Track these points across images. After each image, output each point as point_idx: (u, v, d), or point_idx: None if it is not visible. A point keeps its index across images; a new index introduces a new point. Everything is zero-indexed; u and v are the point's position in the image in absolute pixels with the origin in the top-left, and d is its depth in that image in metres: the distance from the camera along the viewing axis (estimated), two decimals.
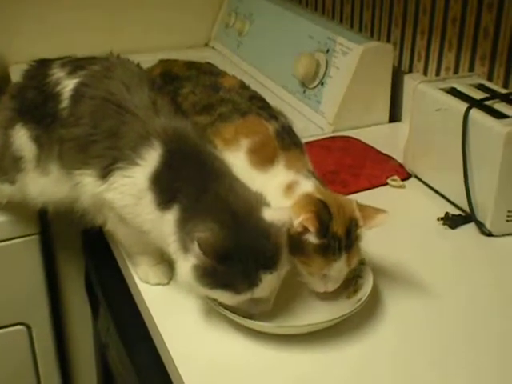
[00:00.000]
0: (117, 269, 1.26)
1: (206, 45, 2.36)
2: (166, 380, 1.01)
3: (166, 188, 1.00)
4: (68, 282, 1.62)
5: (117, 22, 2.20)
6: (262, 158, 1.09)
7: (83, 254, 1.53)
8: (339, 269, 1.01)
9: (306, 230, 0.98)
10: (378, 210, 1.04)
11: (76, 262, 1.57)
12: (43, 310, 1.56)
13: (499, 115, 1.26)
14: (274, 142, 1.10)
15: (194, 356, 0.99)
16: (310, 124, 1.72)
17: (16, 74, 1.50)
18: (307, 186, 1.05)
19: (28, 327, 1.55)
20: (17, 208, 1.36)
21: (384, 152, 1.58)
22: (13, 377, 1.59)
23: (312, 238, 0.98)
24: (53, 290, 1.59)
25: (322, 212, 0.98)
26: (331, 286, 1.03)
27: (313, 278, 1.03)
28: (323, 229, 0.97)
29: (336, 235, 0.99)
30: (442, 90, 1.38)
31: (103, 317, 1.38)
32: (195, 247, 0.93)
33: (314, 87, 1.75)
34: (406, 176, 1.47)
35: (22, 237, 1.46)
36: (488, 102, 1.30)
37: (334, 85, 1.70)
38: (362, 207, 1.04)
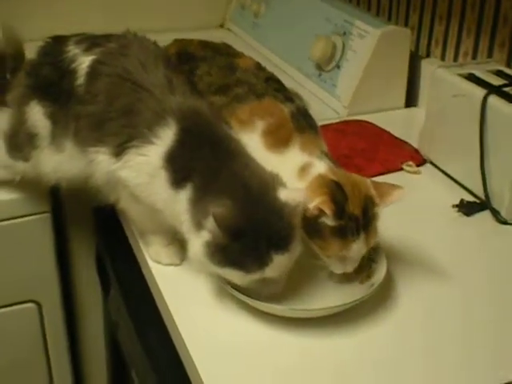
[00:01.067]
0: (128, 248, 1.25)
1: (221, 26, 2.35)
2: (176, 360, 1.01)
3: (180, 167, 1.00)
4: (79, 261, 1.61)
5: (131, 1, 2.18)
6: (277, 139, 1.08)
7: (95, 233, 1.53)
8: (358, 249, 1.00)
9: (321, 212, 0.97)
10: (394, 186, 1.03)
11: (87, 240, 1.57)
12: (54, 288, 1.56)
13: None
14: (289, 124, 1.09)
15: (204, 337, 0.98)
16: (325, 107, 1.71)
17: (31, 52, 1.49)
18: (321, 167, 1.04)
19: (38, 305, 1.55)
20: (29, 185, 1.36)
21: (399, 137, 1.56)
22: (22, 354, 1.59)
23: (328, 221, 0.97)
24: (63, 268, 1.59)
25: (336, 193, 0.97)
26: (350, 267, 1.03)
27: (331, 259, 1.02)
28: (339, 210, 0.96)
29: (353, 215, 0.98)
30: (459, 75, 1.36)
31: (114, 296, 1.38)
32: (209, 222, 0.93)
33: (330, 70, 1.74)
34: (421, 162, 1.46)
35: (33, 214, 1.45)
36: (506, 89, 1.29)
37: (350, 68, 1.69)
38: (377, 184, 1.03)
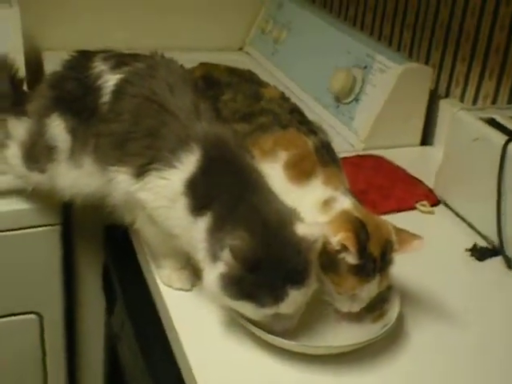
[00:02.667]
0: (137, 268, 1.24)
1: (241, 49, 2.35)
2: (179, 382, 1.01)
3: (200, 194, 0.99)
4: (84, 276, 1.60)
5: (152, 19, 2.19)
6: (300, 172, 1.07)
7: (103, 250, 1.52)
8: (370, 290, 1.00)
9: (344, 248, 0.97)
10: (414, 236, 1.03)
11: (94, 256, 1.56)
12: (57, 301, 1.54)
13: None
14: (312, 157, 1.09)
15: (210, 363, 0.98)
16: (341, 140, 1.71)
17: (49, 61, 1.49)
18: (345, 203, 1.04)
19: (40, 316, 1.54)
20: (41, 197, 1.35)
21: (414, 175, 1.56)
22: (20, 364, 1.58)
23: (350, 258, 0.97)
24: (68, 282, 1.58)
25: (360, 231, 0.97)
26: (357, 307, 1.02)
27: (340, 296, 1.01)
28: (362, 249, 0.96)
29: (372, 256, 0.98)
30: (481, 119, 1.36)
31: (118, 313, 1.37)
32: (226, 254, 0.92)
33: (349, 103, 1.74)
34: (436, 202, 1.45)
35: (43, 226, 1.45)
36: None
37: (368, 102, 1.69)
38: (398, 231, 1.03)
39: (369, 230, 0.99)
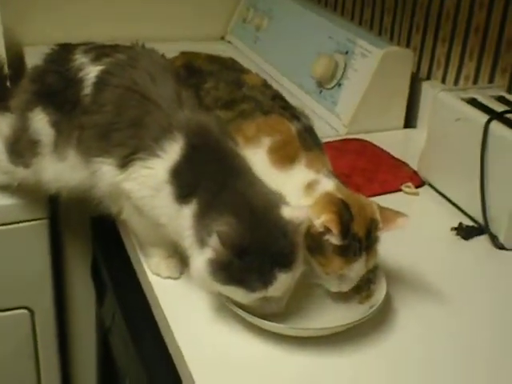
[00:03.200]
0: (125, 258, 1.25)
1: (222, 38, 2.35)
2: (172, 370, 1.01)
3: (185, 182, 0.99)
4: (73, 269, 1.61)
5: (133, 10, 2.19)
6: (283, 156, 1.08)
7: (91, 242, 1.52)
8: (357, 269, 1.01)
9: (327, 230, 0.97)
10: (398, 213, 1.04)
11: (83, 248, 1.56)
12: (47, 295, 1.55)
13: None
14: (295, 142, 1.09)
15: (202, 350, 0.98)
16: (325, 125, 1.72)
17: (31, 56, 1.48)
18: (328, 185, 1.05)
19: (31, 311, 1.54)
20: (27, 191, 1.36)
21: (398, 157, 1.57)
22: (12, 360, 1.58)
23: (333, 239, 0.98)
24: (58, 276, 1.58)
25: (343, 212, 0.98)
26: (346, 286, 1.03)
27: (328, 277, 1.02)
28: (345, 230, 0.97)
29: (357, 236, 0.99)
30: (462, 99, 1.37)
31: (109, 303, 1.37)
32: (213, 240, 0.92)
33: (331, 88, 1.75)
34: (420, 183, 1.46)
35: (30, 220, 1.45)
36: (509, 115, 1.30)
37: (351, 87, 1.70)
38: (382, 209, 1.04)
39: (353, 210, 0.99)
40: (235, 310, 0.99)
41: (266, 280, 0.94)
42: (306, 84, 1.83)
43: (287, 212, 0.97)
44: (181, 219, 1.00)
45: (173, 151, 1.00)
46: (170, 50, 1.34)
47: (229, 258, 0.93)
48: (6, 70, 1.38)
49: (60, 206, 1.50)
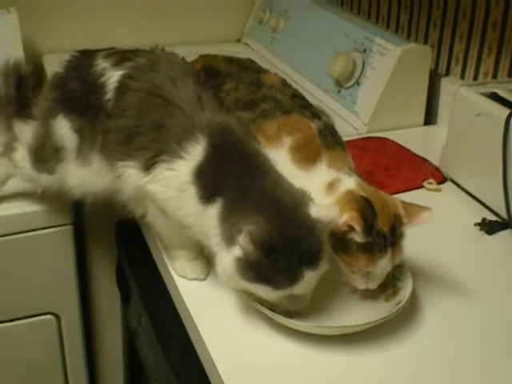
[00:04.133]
0: (150, 261, 1.26)
1: (239, 40, 2.36)
2: (199, 372, 1.01)
3: (209, 182, 1.00)
4: (98, 274, 1.62)
5: (149, 15, 2.20)
6: (305, 155, 1.08)
7: (116, 246, 1.53)
8: (383, 266, 1.01)
9: (351, 228, 0.97)
10: (422, 208, 1.03)
11: (108, 253, 1.57)
12: (73, 301, 1.56)
13: None
14: (317, 140, 1.10)
15: (230, 352, 0.98)
16: (345, 124, 1.71)
17: (50, 64, 1.49)
18: (349, 183, 1.05)
19: (57, 317, 1.56)
20: (51, 198, 1.37)
21: (419, 154, 1.56)
22: (40, 366, 1.60)
23: (357, 237, 0.98)
24: (83, 281, 1.59)
25: (366, 209, 0.98)
26: (373, 284, 1.03)
27: (355, 275, 1.02)
28: (368, 227, 0.97)
29: (381, 232, 0.98)
30: (482, 94, 1.37)
31: (134, 305, 1.38)
32: (242, 239, 0.92)
33: (350, 87, 1.75)
34: (442, 179, 1.46)
35: (55, 226, 1.46)
36: None
37: (369, 85, 1.69)
38: (406, 204, 1.04)
39: (376, 206, 0.99)
40: (260, 308, 0.99)
41: (292, 278, 0.95)
42: (324, 83, 1.83)
43: (315, 210, 0.97)
44: (206, 219, 1.00)
45: (196, 152, 1.01)
46: (188, 54, 1.34)
47: (257, 255, 0.93)
48: (27, 78, 1.39)
49: (84, 211, 1.51)
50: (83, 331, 1.61)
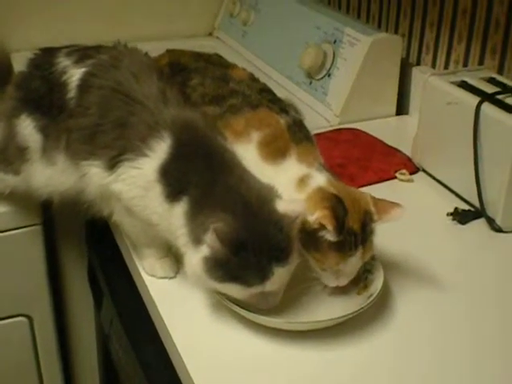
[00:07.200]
0: (121, 260, 1.24)
1: (210, 34, 2.34)
2: (171, 373, 1.00)
3: (175, 180, 0.98)
4: (70, 274, 1.60)
5: (119, 10, 2.17)
6: (274, 150, 1.07)
7: (86, 246, 1.51)
8: (354, 263, 1.00)
9: (322, 226, 0.96)
10: (393, 204, 1.02)
11: (78, 253, 1.56)
12: (45, 302, 1.55)
13: (511, 109, 1.24)
14: (285, 135, 1.08)
15: (200, 349, 0.97)
16: (316, 116, 1.70)
17: (18, 62, 1.47)
18: (320, 179, 1.03)
19: (29, 318, 1.54)
20: (19, 198, 1.35)
21: (391, 145, 1.56)
22: (14, 368, 1.58)
23: (329, 236, 0.96)
24: (55, 282, 1.57)
25: (337, 208, 0.96)
26: (344, 281, 1.02)
27: (325, 272, 1.01)
28: (340, 226, 0.95)
29: (352, 230, 0.97)
30: (452, 83, 1.36)
31: (106, 309, 1.36)
32: (209, 237, 0.91)
33: (321, 78, 1.73)
34: (415, 170, 1.45)
35: (24, 227, 1.45)
36: (500, 96, 1.28)
37: (341, 76, 1.68)
38: (376, 201, 1.02)
39: (346, 203, 0.98)
40: (232, 307, 0.98)
41: (263, 275, 0.93)
42: (295, 76, 1.82)
43: (282, 206, 0.96)
44: (173, 218, 0.99)
45: (160, 150, 0.99)
46: (159, 49, 1.33)
47: (225, 254, 0.91)
48: None
49: (53, 211, 1.49)
50: (57, 333, 1.59)
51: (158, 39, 2.04)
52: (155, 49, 1.33)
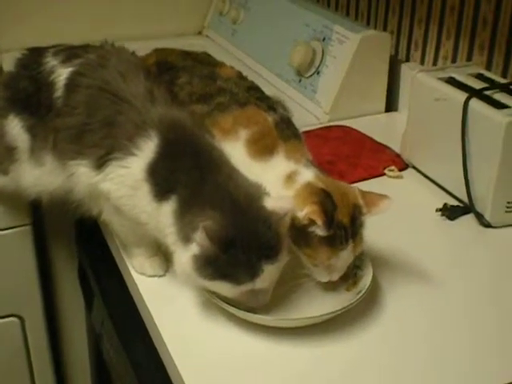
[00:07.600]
0: (111, 260, 1.24)
1: (200, 33, 2.34)
2: (161, 372, 1.00)
3: (163, 179, 0.98)
4: (61, 274, 1.60)
5: (109, 9, 2.17)
6: (262, 148, 1.07)
7: (76, 245, 1.51)
8: (345, 257, 1.00)
9: (312, 222, 0.96)
10: (381, 196, 1.03)
11: (69, 253, 1.55)
12: (36, 302, 1.54)
13: (499, 105, 1.24)
14: (273, 133, 1.08)
15: (190, 348, 0.98)
16: (306, 113, 1.70)
17: (8, 63, 1.46)
18: (308, 175, 1.04)
19: (21, 319, 1.54)
20: (8, 198, 1.34)
21: (381, 142, 1.56)
22: (5, 368, 1.57)
23: (318, 231, 0.96)
24: (45, 282, 1.57)
25: (326, 202, 0.97)
26: (336, 275, 1.02)
27: (317, 268, 1.01)
28: (329, 220, 0.96)
29: (341, 224, 0.98)
30: (440, 79, 1.36)
31: (97, 309, 1.36)
32: (199, 235, 0.91)
33: (310, 76, 1.73)
34: (404, 166, 1.46)
35: (13, 227, 1.45)
36: (487, 92, 1.29)
37: (330, 74, 1.68)
38: (365, 194, 1.03)
39: (335, 198, 0.98)
40: (222, 305, 0.98)
41: (253, 272, 0.93)
42: (284, 73, 1.82)
43: (270, 203, 0.96)
44: (161, 217, 0.99)
45: (148, 149, 0.99)
46: (148, 48, 1.33)
47: (215, 252, 0.91)
48: None
49: (43, 211, 1.49)
50: (48, 333, 1.59)
51: (147, 38, 2.03)
52: (145, 48, 1.33)
